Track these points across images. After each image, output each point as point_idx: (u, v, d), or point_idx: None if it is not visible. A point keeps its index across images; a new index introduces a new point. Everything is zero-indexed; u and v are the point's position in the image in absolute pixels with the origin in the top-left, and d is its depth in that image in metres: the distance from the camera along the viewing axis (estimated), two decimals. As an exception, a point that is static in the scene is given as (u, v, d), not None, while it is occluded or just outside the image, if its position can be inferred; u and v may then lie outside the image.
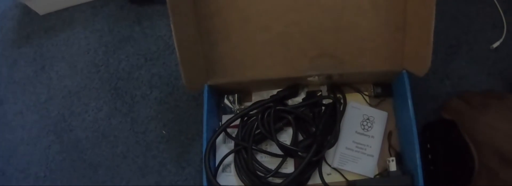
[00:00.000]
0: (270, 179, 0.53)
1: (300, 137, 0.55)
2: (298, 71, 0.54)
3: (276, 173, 0.53)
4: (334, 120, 0.55)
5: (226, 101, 0.59)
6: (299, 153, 0.52)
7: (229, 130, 0.56)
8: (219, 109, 0.60)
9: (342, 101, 0.57)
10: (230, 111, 0.59)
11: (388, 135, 0.57)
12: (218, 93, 0.59)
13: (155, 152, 0.62)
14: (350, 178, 0.55)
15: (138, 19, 0.70)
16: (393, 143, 0.57)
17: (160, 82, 0.65)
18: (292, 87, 0.57)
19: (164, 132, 0.63)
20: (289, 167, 0.54)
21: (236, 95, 0.59)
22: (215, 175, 0.54)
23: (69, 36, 0.71)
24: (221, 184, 0.54)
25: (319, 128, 0.53)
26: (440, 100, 0.61)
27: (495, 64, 0.63)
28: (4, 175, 0.66)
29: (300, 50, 0.54)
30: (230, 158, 0.55)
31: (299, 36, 0.54)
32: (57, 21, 0.73)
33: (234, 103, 0.59)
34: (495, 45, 0.63)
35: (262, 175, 0.53)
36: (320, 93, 0.58)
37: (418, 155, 0.51)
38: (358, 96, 0.59)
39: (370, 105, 0.59)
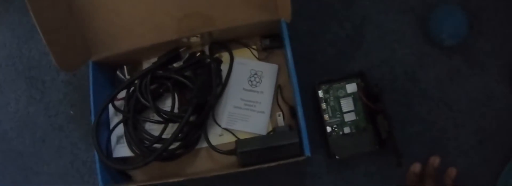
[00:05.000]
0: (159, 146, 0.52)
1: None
2: (168, 35, 0.53)
3: (161, 139, 0.52)
4: (217, 79, 0.53)
5: (118, 73, 0.58)
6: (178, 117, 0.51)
7: (120, 103, 0.56)
8: (114, 83, 0.59)
9: (222, 59, 0.55)
10: (124, 84, 0.58)
11: (278, 89, 0.54)
12: (110, 67, 0.59)
13: (67, 133, 0.63)
14: (243, 137, 0.53)
15: (47, 7, 0.71)
16: (288, 96, 0.54)
17: (65, 65, 0.66)
18: (172, 51, 0.55)
19: (71, 112, 0.64)
20: (177, 133, 0.53)
21: (125, 66, 0.58)
22: (106, 148, 0.54)
23: (-14, 34, 0.73)
24: (117, 155, 0.55)
25: (194, 90, 0.51)
26: (339, 44, 0.57)
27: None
28: None
29: (166, 14, 0.53)
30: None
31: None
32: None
33: (125, 75, 0.58)
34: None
35: (148, 143, 0.52)
36: (199, 53, 0.55)
37: (300, 108, 0.48)
38: (246, 51, 0.56)
39: (259, 59, 0.56)
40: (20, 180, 0.65)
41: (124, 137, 0.55)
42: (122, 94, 0.56)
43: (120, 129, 0.55)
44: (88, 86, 0.56)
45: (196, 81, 0.52)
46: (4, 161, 0.67)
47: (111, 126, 0.56)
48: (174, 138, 0.49)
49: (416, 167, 0.51)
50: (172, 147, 0.50)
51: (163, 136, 0.52)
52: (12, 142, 0.67)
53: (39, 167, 0.64)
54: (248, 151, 0.48)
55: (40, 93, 0.66)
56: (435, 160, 0.51)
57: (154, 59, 0.57)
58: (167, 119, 0.51)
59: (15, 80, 0.69)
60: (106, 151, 0.54)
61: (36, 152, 0.65)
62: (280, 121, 0.51)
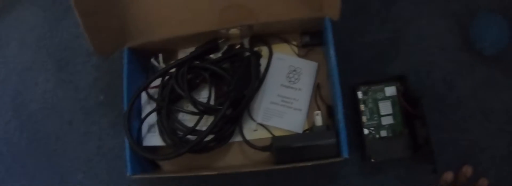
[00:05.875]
0: (192, 137, 0.52)
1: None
2: (207, 25, 0.52)
3: (194, 131, 0.52)
4: (255, 73, 0.52)
5: (152, 61, 0.58)
6: (214, 110, 0.51)
7: (154, 91, 0.55)
8: (147, 70, 0.59)
9: (261, 53, 0.54)
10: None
11: (317, 87, 0.54)
12: (144, 54, 0.58)
13: (95, 117, 0.63)
14: (278, 133, 0.53)
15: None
16: (325, 95, 0.53)
17: (97, 49, 0.65)
18: (210, 42, 0.54)
19: (101, 97, 0.63)
20: (211, 125, 0.53)
21: (160, 54, 0.57)
22: (138, 136, 0.54)
23: (18, 15, 0.72)
24: (147, 144, 0.54)
25: (232, 83, 0.51)
26: (378, 46, 0.56)
27: (450, 3, 0.56)
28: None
29: (207, 4, 0.52)
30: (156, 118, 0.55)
31: (204, -11, 0.52)
32: (7, 2, 0.74)
33: (160, 63, 0.58)
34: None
35: (181, 134, 0.52)
36: (239, 46, 0.55)
37: (340, 108, 0.47)
38: (285, 46, 0.55)
39: (298, 55, 0.55)
40: (43, 161, 0.65)
41: (155, 126, 0.54)
42: (156, 82, 0.55)
43: (152, 118, 0.55)
44: (119, 72, 0.56)
45: (234, 74, 0.51)
46: (29, 141, 0.67)
47: (143, 114, 0.55)
48: (210, 131, 0.49)
49: (449, 176, 0.50)
50: (205, 139, 0.50)
51: (197, 128, 0.51)
52: (39, 123, 0.67)
53: (64, 150, 0.64)
54: (285, 148, 0.48)
55: (69, 76, 0.66)
56: (467, 170, 0.51)
57: (191, 49, 0.57)
58: (202, 110, 0.51)
59: (46, 62, 0.68)
60: (136, 138, 0.54)
61: (63, 134, 0.65)
62: (318, 120, 0.50)
